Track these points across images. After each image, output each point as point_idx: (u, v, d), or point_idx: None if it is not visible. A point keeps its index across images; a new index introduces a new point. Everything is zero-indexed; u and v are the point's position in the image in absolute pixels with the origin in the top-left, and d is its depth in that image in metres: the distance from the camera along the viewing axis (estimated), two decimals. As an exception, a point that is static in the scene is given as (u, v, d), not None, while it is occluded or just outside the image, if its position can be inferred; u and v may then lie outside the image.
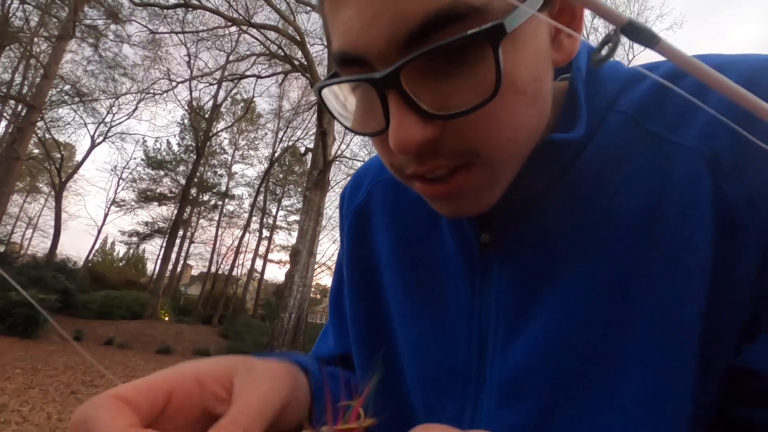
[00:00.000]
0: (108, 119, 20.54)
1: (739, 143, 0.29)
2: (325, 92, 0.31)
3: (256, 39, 13.40)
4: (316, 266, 11.10)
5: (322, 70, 13.00)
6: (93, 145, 20.56)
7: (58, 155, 19.25)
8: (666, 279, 0.30)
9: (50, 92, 13.61)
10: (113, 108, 19.98)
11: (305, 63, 11.96)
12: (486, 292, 0.37)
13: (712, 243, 0.29)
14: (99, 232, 24.42)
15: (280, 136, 22.35)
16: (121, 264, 27.17)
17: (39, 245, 26.71)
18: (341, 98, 0.32)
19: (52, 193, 20.51)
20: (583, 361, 0.32)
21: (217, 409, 0.27)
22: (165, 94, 17.96)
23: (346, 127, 0.32)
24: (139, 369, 7.32)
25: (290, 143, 21.51)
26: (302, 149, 18.29)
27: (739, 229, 0.29)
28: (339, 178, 18.90)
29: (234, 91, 20.65)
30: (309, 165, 12.86)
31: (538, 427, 0.33)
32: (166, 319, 16.39)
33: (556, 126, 0.35)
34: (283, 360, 0.34)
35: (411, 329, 0.42)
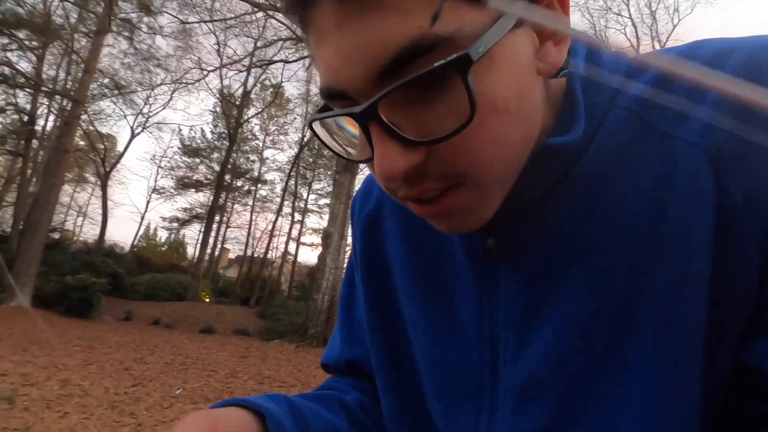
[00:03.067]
0: (145, 110, 21.39)
1: (740, 137, 0.29)
2: (317, 124, 0.32)
3: (283, 23, 13.41)
4: (347, 248, 11.26)
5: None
6: (133, 136, 21.46)
7: (102, 146, 20.24)
8: (670, 278, 0.30)
9: (91, 86, 14.20)
10: (150, 99, 20.77)
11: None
12: (494, 297, 0.37)
13: (712, 241, 0.29)
14: (142, 218, 25.85)
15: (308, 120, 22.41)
16: (163, 249, 28.50)
17: (89, 232, 28.45)
18: (334, 128, 0.33)
19: (98, 182, 21.67)
20: (594, 363, 0.32)
21: None
22: (197, 83, 18.46)
23: (342, 156, 0.33)
24: (184, 347, 7.76)
25: (319, 127, 21.49)
26: (331, 133, 18.23)
27: (739, 225, 0.28)
28: (368, 160, 18.77)
29: (263, 77, 20.88)
30: (338, 149, 12.85)
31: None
32: (207, 300, 17.18)
33: (554, 128, 0.34)
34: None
35: (424, 336, 0.43)
